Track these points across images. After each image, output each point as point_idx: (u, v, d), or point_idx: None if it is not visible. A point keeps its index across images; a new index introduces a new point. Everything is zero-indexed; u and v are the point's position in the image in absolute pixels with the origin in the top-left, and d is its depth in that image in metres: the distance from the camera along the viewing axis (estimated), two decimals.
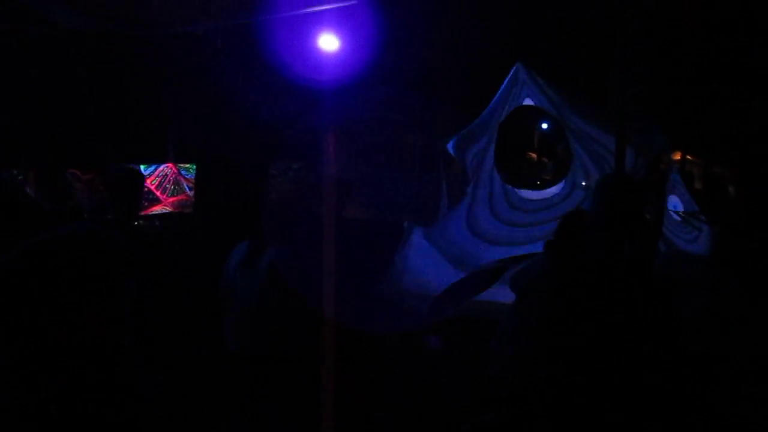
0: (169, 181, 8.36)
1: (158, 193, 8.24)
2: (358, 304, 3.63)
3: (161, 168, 8.28)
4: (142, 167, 8.13)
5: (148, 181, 8.13)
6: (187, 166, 8.45)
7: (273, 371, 3.64)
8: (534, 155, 10.83)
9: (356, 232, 4.19)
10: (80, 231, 1.79)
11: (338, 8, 4.89)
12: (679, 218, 6.86)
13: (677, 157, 9.39)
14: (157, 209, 8.18)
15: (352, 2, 4.42)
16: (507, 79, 6.87)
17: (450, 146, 7.19)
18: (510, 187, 7.16)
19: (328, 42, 3.06)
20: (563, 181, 7.13)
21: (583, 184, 6.82)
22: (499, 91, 6.94)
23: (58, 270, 1.68)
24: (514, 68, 6.81)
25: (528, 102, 6.93)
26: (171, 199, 8.38)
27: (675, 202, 6.96)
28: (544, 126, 11.83)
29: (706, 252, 6.17)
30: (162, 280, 3.70)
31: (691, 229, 6.78)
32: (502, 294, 3.33)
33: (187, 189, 8.47)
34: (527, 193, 7.29)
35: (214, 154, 8.38)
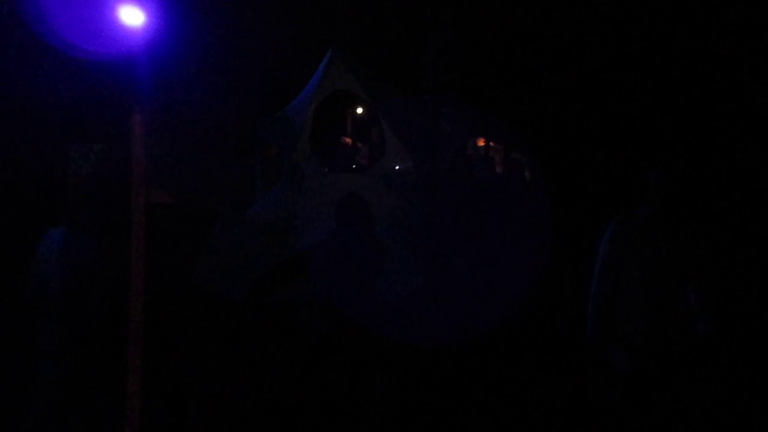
0: None
1: None
2: None
3: None
4: None
5: None
6: None
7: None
8: (349, 140, 10.98)
9: None
10: None
11: None
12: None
13: (481, 143, 9.96)
14: None
15: None
16: (322, 65, 6.86)
17: (264, 130, 7.05)
18: (325, 170, 7.18)
19: (132, 15, 2.81)
20: (378, 164, 7.28)
21: (396, 168, 7.01)
22: (314, 76, 6.92)
23: None
24: (329, 54, 6.81)
25: (342, 87, 6.98)
26: None
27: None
28: (359, 111, 12.02)
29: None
30: None
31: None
32: None
33: None
34: (342, 177, 7.35)
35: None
